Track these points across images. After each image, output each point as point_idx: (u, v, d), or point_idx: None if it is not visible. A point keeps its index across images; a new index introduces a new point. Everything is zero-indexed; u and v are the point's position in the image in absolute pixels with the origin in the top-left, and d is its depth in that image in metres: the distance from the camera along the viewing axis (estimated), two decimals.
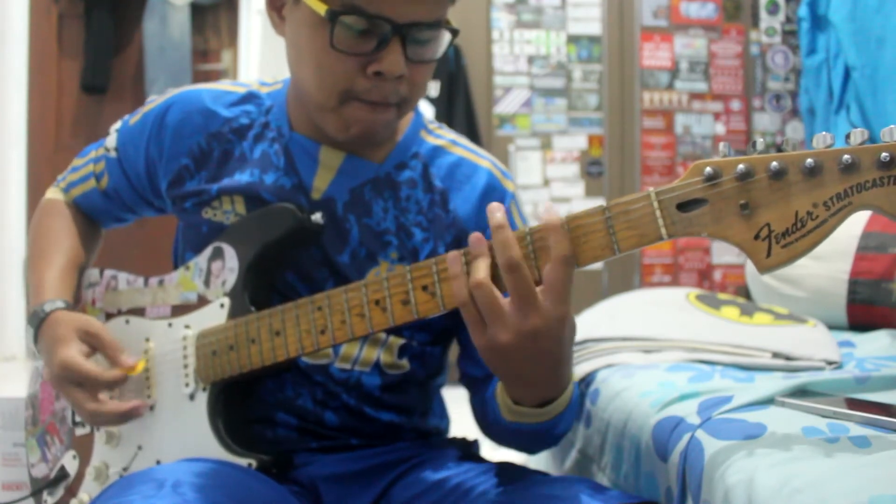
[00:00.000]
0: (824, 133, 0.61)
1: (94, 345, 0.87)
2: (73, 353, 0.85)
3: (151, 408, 0.91)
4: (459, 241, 0.93)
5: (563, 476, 0.86)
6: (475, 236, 0.71)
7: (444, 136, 0.98)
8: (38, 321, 0.90)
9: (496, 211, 0.70)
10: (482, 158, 0.98)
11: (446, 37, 0.83)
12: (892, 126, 0.58)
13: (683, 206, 0.65)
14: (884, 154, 0.58)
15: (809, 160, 0.60)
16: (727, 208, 0.63)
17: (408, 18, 0.78)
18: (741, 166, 0.62)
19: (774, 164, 0.61)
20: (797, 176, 0.61)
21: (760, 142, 0.63)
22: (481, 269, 0.69)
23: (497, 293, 0.69)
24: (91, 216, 1.07)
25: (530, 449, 0.92)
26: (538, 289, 0.68)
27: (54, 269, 0.97)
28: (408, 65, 0.81)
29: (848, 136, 0.60)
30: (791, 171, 0.61)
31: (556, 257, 0.67)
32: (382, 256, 0.90)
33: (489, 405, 0.88)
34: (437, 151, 0.96)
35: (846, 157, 0.59)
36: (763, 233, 0.62)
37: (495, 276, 0.70)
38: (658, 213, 0.66)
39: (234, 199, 0.92)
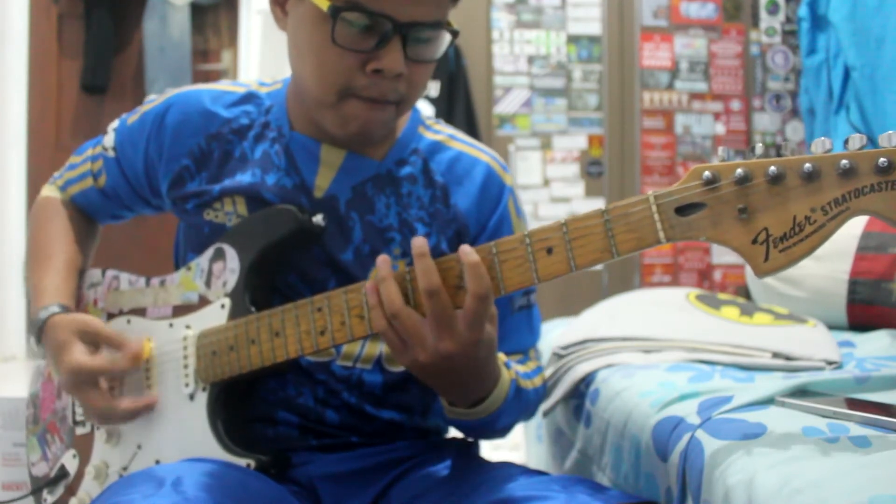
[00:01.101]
0: (823, 138, 0.61)
1: (94, 341, 0.88)
2: (77, 354, 0.86)
3: (152, 407, 0.91)
4: (460, 236, 0.93)
5: (563, 476, 0.86)
6: (382, 258, 0.77)
7: (443, 132, 0.98)
8: (36, 330, 0.91)
9: (416, 241, 0.75)
10: (481, 152, 0.98)
11: (446, 38, 0.84)
12: (891, 132, 0.58)
13: (682, 210, 0.65)
14: (882, 159, 0.58)
15: (808, 165, 0.60)
16: (725, 212, 0.63)
17: (409, 17, 0.79)
18: (740, 170, 0.62)
19: (773, 168, 0.61)
20: (795, 180, 0.61)
21: (759, 146, 0.63)
22: (395, 299, 0.74)
23: (415, 318, 0.74)
24: (88, 214, 1.07)
25: (480, 437, 0.98)
26: (458, 312, 0.74)
27: (51, 273, 0.97)
28: (407, 64, 0.81)
29: (846, 142, 0.60)
30: (789, 176, 0.61)
31: (471, 293, 0.72)
32: (385, 253, 0.91)
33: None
34: (437, 146, 0.96)
35: (844, 162, 0.59)
36: (761, 237, 0.62)
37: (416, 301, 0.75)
38: (656, 216, 0.66)
39: (236, 199, 0.92)
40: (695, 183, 0.65)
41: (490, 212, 0.94)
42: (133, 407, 0.88)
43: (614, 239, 0.68)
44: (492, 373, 0.83)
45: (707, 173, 0.64)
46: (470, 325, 0.73)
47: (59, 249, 1.00)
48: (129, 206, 1.04)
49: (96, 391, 0.87)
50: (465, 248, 0.73)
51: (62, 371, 0.87)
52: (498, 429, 0.91)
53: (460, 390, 0.83)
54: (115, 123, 1.02)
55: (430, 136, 0.97)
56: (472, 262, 0.72)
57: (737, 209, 0.63)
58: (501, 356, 0.88)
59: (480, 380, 0.82)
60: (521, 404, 0.91)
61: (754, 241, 0.62)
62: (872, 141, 0.59)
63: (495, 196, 0.95)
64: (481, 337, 0.75)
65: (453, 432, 1.04)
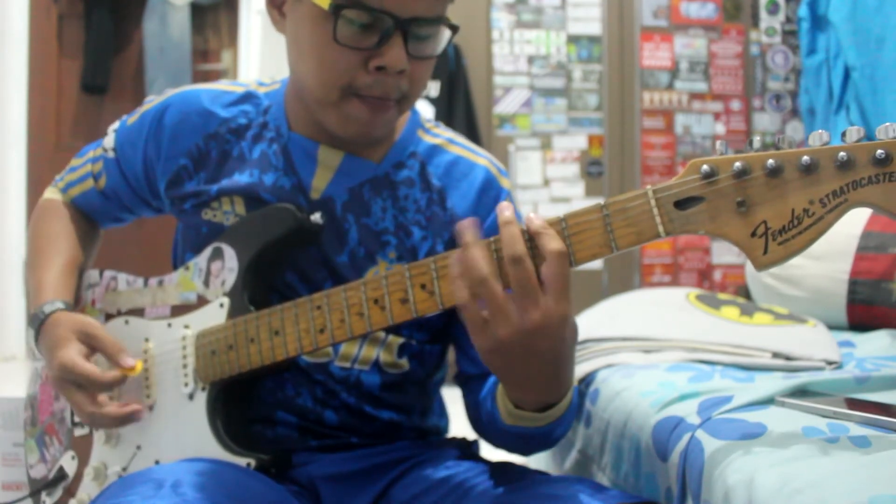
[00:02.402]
0: (820, 131, 0.61)
1: (93, 345, 0.87)
2: (72, 354, 0.85)
3: (151, 408, 0.91)
4: (457, 240, 0.93)
5: (563, 476, 0.86)
6: (467, 223, 0.70)
7: (441, 135, 0.98)
8: (38, 323, 0.90)
9: (505, 210, 0.69)
10: (479, 156, 0.98)
11: (446, 33, 0.84)
12: (888, 123, 0.58)
13: (681, 204, 0.65)
14: (879, 151, 0.58)
15: (805, 158, 0.60)
16: (724, 206, 0.63)
17: (410, 13, 0.79)
18: (738, 164, 0.63)
19: (771, 161, 0.61)
20: (793, 173, 0.61)
21: (757, 140, 0.63)
22: (485, 264, 0.68)
23: (500, 288, 0.68)
24: (89, 216, 1.07)
25: (526, 451, 0.91)
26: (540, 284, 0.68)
27: (53, 271, 0.97)
28: (409, 60, 0.81)
29: (844, 134, 0.60)
30: (787, 169, 0.61)
31: (550, 252, 0.67)
32: (381, 256, 0.90)
33: (483, 406, 0.88)
34: (435, 150, 0.96)
35: (842, 154, 0.59)
36: (760, 230, 0.62)
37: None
38: (655, 210, 0.66)
39: (234, 199, 0.92)
40: (693, 177, 0.65)
41: (487, 215, 0.94)
42: (118, 413, 0.86)
43: (613, 233, 0.68)
44: (571, 368, 0.76)
45: (705, 167, 0.64)
46: (556, 294, 0.67)
47: (60, 248, 1.00)
48: (129, 208, 1.04)
49: (82, 394, 0.86)
50: (531, 216, 0.69)
51: (54, 366, 0.86)
52: (552, 439, 0.84)
53: (540, 380, 0.73)
54: (115, 125, 1.02)
55: (428, 139, 0.97)
56: (540, 225, 0.68)
57: (735, 202, 0.63)
58: None
59: (562, 368, 0.73)
60: (574, 413, 0.86)
61: (753, 235, 0.62)
62: (870, 139, 0.59)
63: (493, 199, 0.95)
64: (568, 310, 0.68)
65: (453, 432, 1.04)
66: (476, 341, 0.70)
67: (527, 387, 0.75)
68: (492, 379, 0.89)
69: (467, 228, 0.69)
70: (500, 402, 0.80)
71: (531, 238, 0.69)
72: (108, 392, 0.88)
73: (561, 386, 0.75)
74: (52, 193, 1.07)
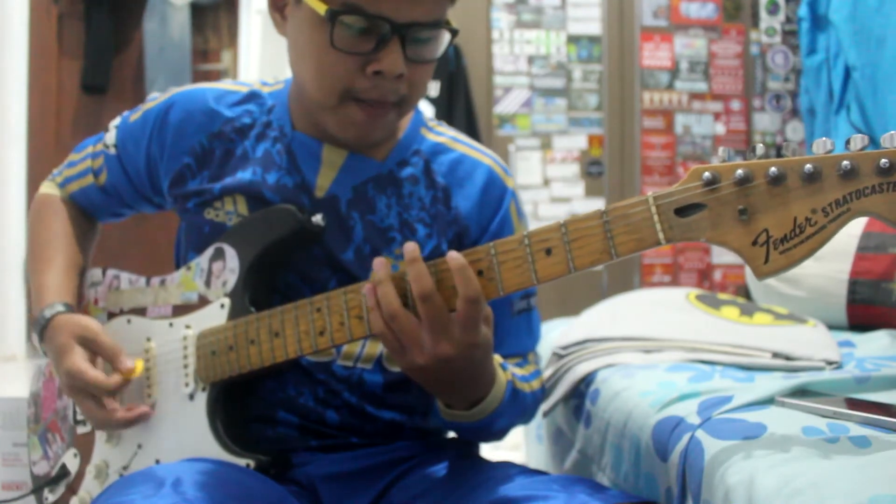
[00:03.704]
0: (824, 139, 0.60)
1: (93, 349, 0.88)
2: (77, 360, 0.86)
3: (152, 407, 0.91)
4: (461, 238, 0.93)
5: (563, 476, 0.86)
6: (379, 261, 0.76)
7: (445, 134, 0.98)
8: (40, 329, 0.91)
9: (409, 248, 0.74)
10: (483, 155, 0.98)
11: (446, 37, 0.84)
12: (893, 132, 0.57)
13: (682, 211, 0.65)
14: (883, 160, 0.57)
15: (808, 166, 0.59)
16: (725, 213, 0.63)
17: (407, 18, 0.79)
18: (740, 171, 0.62)
19: (773, 169, 0.61)
20: (796, 182, 0.60)
21: (760, 147, 0.63)
22: (393, 301, 0.74)
23: (413, 321, 0.74)
24: (87, 211, 1.07)
25: (476, 439, 0.99)
26: (452, 315, 0.74)
27: (53, 272, 0.97)
28: (407, 64, 0.81)
29: (848, 142, 0.59)
30: (790, 177, 0.61)
31: (462, 297, 0.72)
32: (386, 253, 0.91)
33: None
34: (439, 148, 0.96)
35: (845, 163, 0.58)
36: (761, 238, 0.62)
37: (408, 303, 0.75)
38: (656, 217, 0.66)
39: (237, 199, 0.92)
40: (695, 184, 0.64)
41: (492, 214, 0.94)
42: (127, 417, 0.88)
43: (613, 240, 0.67)
44: (488, 375, 0.83)
45: (707, 174, 0.63)
46: (464, 328, 0.74)
47: (60, 249, 1.00)
48: (129, 204, 1.04)
49: (91, 399, 0.88)
50: (452, 254, 0.73)
51: (61, 374, 0.88)
52: (495, 431, 0.92)
53: (457, 393, 0.83)
54: (116, 121, 1.02)
55: (432, 137, 0.97)
56: (458, 265, 0.73)
57: (737, 210, 0.62)
58: (497, 358, 0.88)
59: (477, 382, 0.82)
60: (518, 407, 0.91)
61: (754, 243, 0.62)
62: (874, 141, 0.59)
63: (497, 199, 0.95)
64: (477, 340, 0.75)
65: (453, 433, 1.04)
66: (396, 361, 0.78)
67: (448, 394, 0.84)
68: None
69: (380, 266, 0.75)
70: (437, 401, 0.87)
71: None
72: (114, 394, 0.89)
73: (478, 390, 0.83)
74: (49, 188, 1.07)
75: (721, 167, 0.63)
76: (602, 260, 0.68)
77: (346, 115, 0.84)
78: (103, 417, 0.88)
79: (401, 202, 0.92)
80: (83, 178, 1.04)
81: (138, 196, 1.01)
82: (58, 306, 0.92)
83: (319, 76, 0.83)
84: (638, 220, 0.66)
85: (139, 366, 0.89)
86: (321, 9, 0.79)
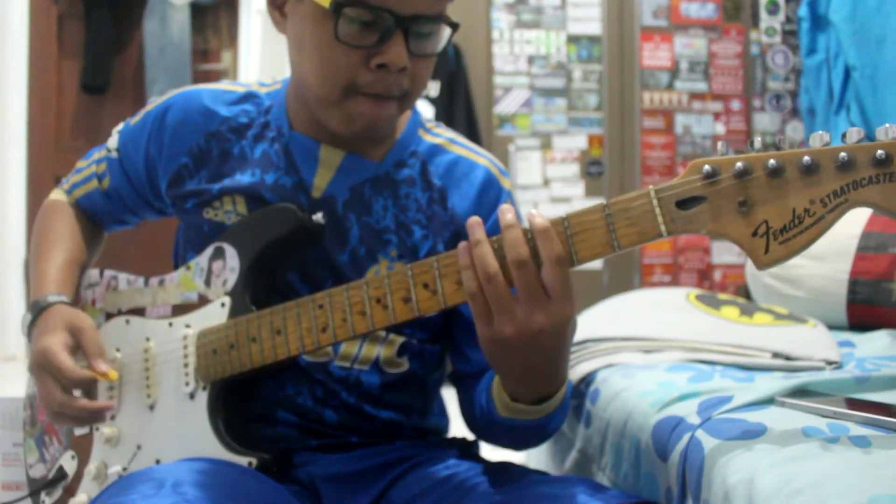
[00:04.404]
0: (821, 132, 0.61)
1: (78, 341, 0.88)
2: (55, 342, 0.85)
3: (151, 407, 0.91)
4: (458, 239, 0.93)
5: (563, 476, 0.86)
6: (474, 220, 0.72)
7: (443, 135, 0.99)
8: (38, 310, 0.91)
9: (507, 212, 0.71)
10: (480, 156, 0.98)
11: (447, 31, 0.85)
12: (888, 125, 0.58)
13: (682, 204, 0.66)
14: (879, 151, 0.58)
15: (806, 158, 0.61)
16: (725, 206, 0.64)
17: (410, 11, 0.79)
18: (739, 164, 0.63)
19: (772, 161, 0.62)
20: (794, 173, 0.62)
21: (758, 140, 0.64)
22: (492, 262, 0.69)
23: (507, 287, 0.70)
24: (93, 217, 1.07)
25: (521, 445, 0.93)
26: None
27: (56, 265, 0.98)
28: (410, 58, 0.82)
29: (844, 135, 0.61)
30: (788, 169, 0.62)
31: (549, 258, 0.68)
32: (382, 255, 0.91)
33: (478, 401, 0.89)
34: (436, 149, 0.96)
35: (842, 154, 0.59)
36: (761, 230, 0.63)
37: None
38: (657, 210, 0.66)
39: (236, 199, 0.92)
40: (695, 177, 0.65)
41: (488, 215, 0.94)
42: (88, 406, 0.85)
43: (616, 233, 0.68)
44: (566, 363, 0.78)
45: (707, 167, 0.64)
46: (560, 298, 0.69)
47: (64, 244, 1.01)
48: (132, 209, 1.04)
49: (52, 380, 0.85)
50: (533, 212, 0.70)
51: (34, 349, 0.87)
52: (547, 432, 0.87)
53: (535, 378, 0.76)
54: (119, 126, 1.03)
55: (429, 138, 0.97)
56: (542, 226, 0.68)
57: (737, 202, 0.63)
58: None
59: (560, 364, 0.76)
60: (567, 407, 0.87)
61: (754, 234, 0.63)
62: (870, 139, 0.60)
63: (493, 200, 0.96)
64: (571, 311, 0.70)
65: (453, 432, 1.04)
66: (480, 331, 0.72)
67: (525, 380, 0.77)
68: (487, 376, 0.89)
69: (477, 225, 0.71)
70: (497, 395, 0.81)
71: (533, 237, 0.70)
72: (76, 389, 0.86)
73: (556, 380, 0.77)
74: (57, 195, 1.08)
75: (721, 160, 0.64)
76: (605, 253, 0.69)
77: (351, 108, 0.84)
78: (61, 401, 0.84)
79: (397, 204, 0.92)
80: (88, 184, 1.04)
81: (140, 200, 1.01)
82: (63, 297, 0.93)
83: (323, 70, 0.83)
84: (639, 213, 0.67)
85: (113, 374, 0.88)
86: (325, 2, 0.79)
